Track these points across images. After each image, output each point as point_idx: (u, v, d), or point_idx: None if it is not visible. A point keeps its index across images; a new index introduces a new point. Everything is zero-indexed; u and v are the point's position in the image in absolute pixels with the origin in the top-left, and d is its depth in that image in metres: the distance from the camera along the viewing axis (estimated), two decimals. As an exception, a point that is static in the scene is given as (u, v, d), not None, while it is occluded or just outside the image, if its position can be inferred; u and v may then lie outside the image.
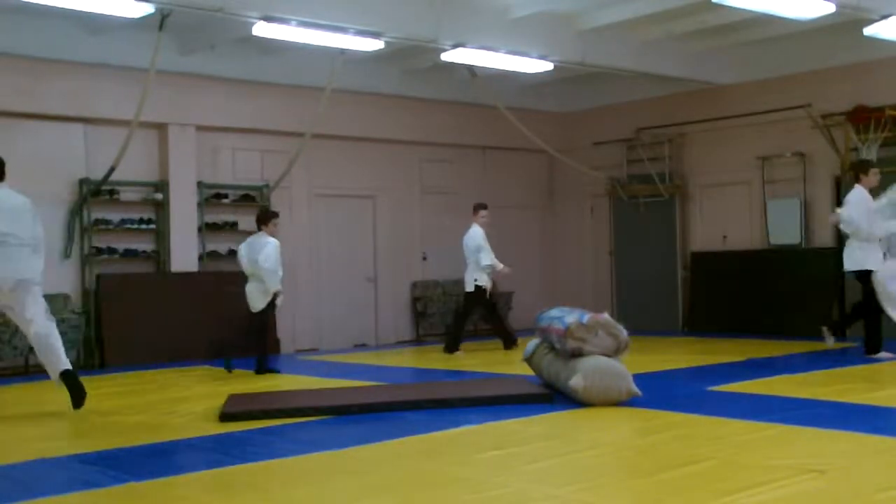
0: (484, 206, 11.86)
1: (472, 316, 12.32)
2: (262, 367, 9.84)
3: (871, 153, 11.91)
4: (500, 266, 11.59)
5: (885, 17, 9.89)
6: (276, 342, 12.38)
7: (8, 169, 10.78)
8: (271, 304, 9.93)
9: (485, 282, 11.50)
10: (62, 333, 10.48)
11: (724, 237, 13.75)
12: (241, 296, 10.03)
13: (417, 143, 14.17)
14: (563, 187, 15.73)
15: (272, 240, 9.86)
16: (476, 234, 11.55)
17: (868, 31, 10.22)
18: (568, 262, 15.65)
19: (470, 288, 11.57)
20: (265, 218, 10.09)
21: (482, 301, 11.68)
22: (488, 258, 11.48)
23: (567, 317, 7.33)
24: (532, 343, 8.37)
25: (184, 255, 11.87)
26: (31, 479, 5.09)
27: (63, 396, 8.72)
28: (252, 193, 12.59)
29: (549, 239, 15.82)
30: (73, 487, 4.82)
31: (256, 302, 9.89)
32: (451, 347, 11.51)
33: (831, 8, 9.44)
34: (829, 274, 12.42)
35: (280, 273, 9.86)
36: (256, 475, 5.03)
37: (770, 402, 7.02)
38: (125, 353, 11.08)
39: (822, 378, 8.31)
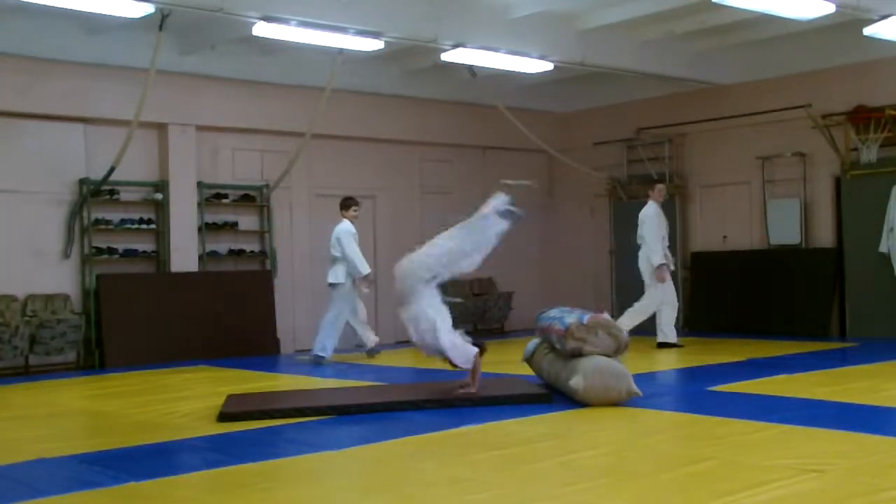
0: None
1: None
2: None
3: (871, 153, 11.92)
4: None
5: (885, 17, 9.89)
6: (276, 342, 12.39)
7: (8, 169, 10.79)
8: None
9: None
10: (62, 334, 10.58)
11: (724, 237, 13.75)
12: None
13: (417, 143, 14.17)
14: (563, 187, 15.72)
15: None
16: None
17: (868, 31, 10.22)
18: (568, 262, 15.64)
19: None
20: None
21: None
22: None
23: (567, 317, 7.33)
24: (532, 343, 8.37)
25: (184, 255, 11.87)
26: (31, 479, 5.08)
27: (62, 397, 8.73)
28: (252, 193, 12.60)
29: (549, 239, 15.81)
30: (73, 487, 4.82)
31: None
32: None
33: (831, 8, 9.44)
34: (829, 274, 12.43)
35: None
36: (256, 475, 5.03)
37: (770, 402, 7.02)
38: (125, 353, 11.07)
39: (822, 378, 8.31)
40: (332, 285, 11.05)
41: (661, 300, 11.23)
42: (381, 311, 13.84)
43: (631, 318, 11.14)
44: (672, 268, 11.47)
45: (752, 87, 13.18)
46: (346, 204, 11.29)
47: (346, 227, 11.06)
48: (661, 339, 11.26)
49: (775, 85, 12.91)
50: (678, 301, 11.61)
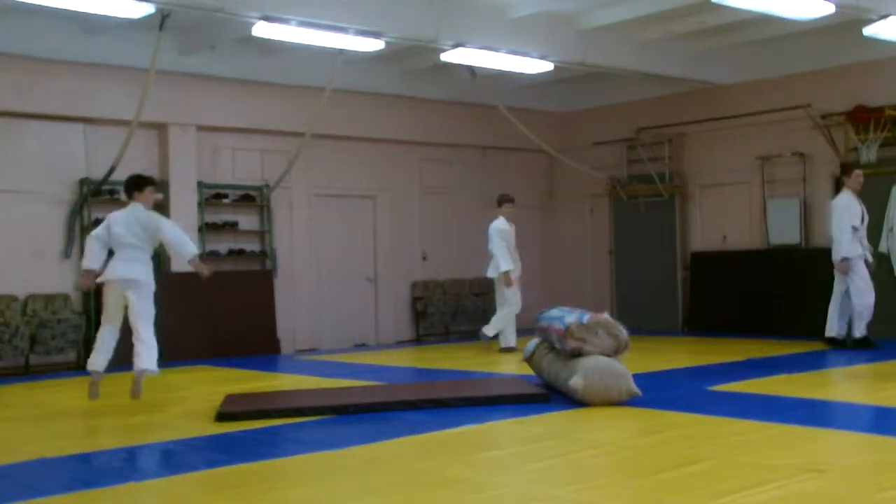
0: None
1: None
2: None
3: (870, 153, 11.92)
4: None
5: (885, 17, 9.89)
6: (276, 342, 12.39)
7: (8, 169, 10.76)
8: None
9: None
10: (62, 334, 10.58)
11: (724, 237, 13.75)
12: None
13: (417, 143, 14.17)
14: (563, 187, 15.72)
15: None
16: None
17: (868, 31, 10.22)
18: (568, 262, 15.64)
19: None
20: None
21: None
22: None
23: (567, 317, 7.33)
24: (532, 343, 8.37)
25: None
26: (31, 479, 5.09)
27: (62, 397, 8.73)
28: (252, 193, 12.60)
29: (549, 239, 15.81)
30: (73, 487, 4.82)
31: None
32: None
33: (831, 8, 9.45)
34: (829, 274, 12.41)
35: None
36: (256, 475, 5.03)
37: (770, 402, 7.02)
38: (125, 354, 11.03)
39: (822, 378, 8.31)
40: (491, 279, 11.62)
41: (866, 288, 10.53)
42: (381, 310, 13.86)
43: (859, 323, 10.58)
44: (870, 259, 10.77)
45: (752, 87, 13.18)
46: (501, 200, 11.67)
47: (496, 224, 11.47)
48: (857, 334, 10.60)
49: (775, 85, 12.91)
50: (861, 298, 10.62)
